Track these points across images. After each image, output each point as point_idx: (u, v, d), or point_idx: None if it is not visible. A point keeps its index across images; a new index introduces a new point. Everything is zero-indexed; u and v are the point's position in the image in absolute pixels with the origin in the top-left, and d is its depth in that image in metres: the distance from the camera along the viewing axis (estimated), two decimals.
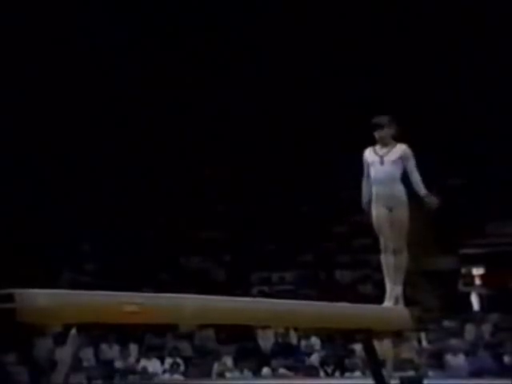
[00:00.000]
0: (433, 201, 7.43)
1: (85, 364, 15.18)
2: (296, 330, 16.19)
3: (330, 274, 18.95)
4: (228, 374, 15.66)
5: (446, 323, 16.51)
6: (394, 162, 7.40)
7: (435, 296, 17.46)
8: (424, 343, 16.05)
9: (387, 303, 7.37)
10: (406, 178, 7.50)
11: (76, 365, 5.91)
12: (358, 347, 14.75)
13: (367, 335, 7.15)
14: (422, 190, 7.38)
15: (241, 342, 16.26)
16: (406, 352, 15.48)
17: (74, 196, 19.29)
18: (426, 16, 20.07)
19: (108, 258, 18.37)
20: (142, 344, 16.30)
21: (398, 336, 15.09)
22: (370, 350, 7.18)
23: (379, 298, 7.64)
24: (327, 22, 20.11)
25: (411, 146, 7.54)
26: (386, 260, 7.50)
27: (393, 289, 7.37)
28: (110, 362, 15.88)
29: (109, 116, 20.24)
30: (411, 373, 14.88)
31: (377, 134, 7.49)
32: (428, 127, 19.45)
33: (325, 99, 20.35)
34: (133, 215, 19.47)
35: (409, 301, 13.27)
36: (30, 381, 13.81)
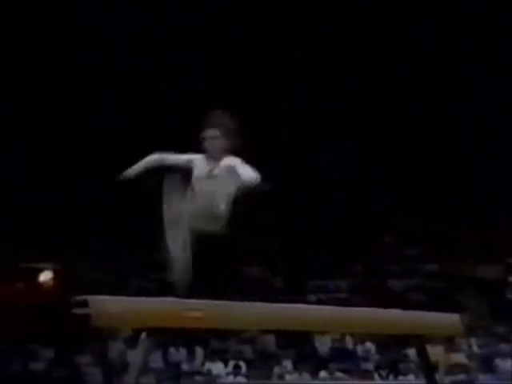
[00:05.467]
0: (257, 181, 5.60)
1: (154, 366, 15.25)
2: (352, 335, 16.07)
3: (382, 282, 18.77)
4: (287, 377, 15.63)
5: (495, 329, 16.27)
6: (222, 177, 5.83)
7: (484, 303, 17.19)
8: (474, 348, 15.82)
9: None
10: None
11: (146, 367, 5.91)
12: (411, 352, 14.59)
13: (420, 341, 7.04)
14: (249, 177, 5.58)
15: (299, 346, 16.19)
16: (458, 357, 15.29)
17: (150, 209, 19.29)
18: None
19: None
20: (207, 348, 16.32)
21: (449, 341, 14.90)
22: (423, 355, 7.07)
23: (430, 306, 7.51)
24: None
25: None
26: None
27: None
28: (178, 365, 15.94)
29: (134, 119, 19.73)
30: (462, 377, 14.69)
31: (208, 146, 5.91)
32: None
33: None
34: None
35: (460, 308, 13.16)
36: (104, 381, 13.93)
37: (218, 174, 5.83)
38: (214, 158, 5.88)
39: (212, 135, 5.89)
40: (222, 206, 5.85)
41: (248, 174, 5.64)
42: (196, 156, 5.96)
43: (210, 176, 5.84)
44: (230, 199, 5.87)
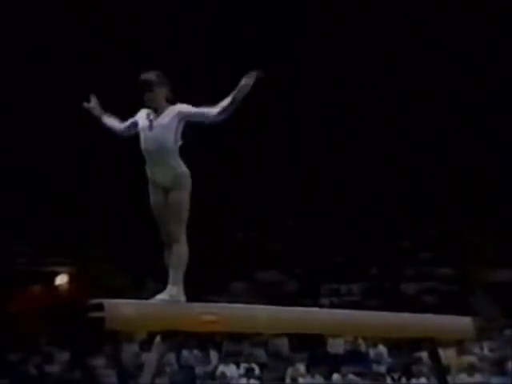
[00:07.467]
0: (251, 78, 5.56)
1: (168, 368, 15.25)
2: (364, 338, 16.02)
3: (396, 285, 18.72)
4: (300, 379, 15.59)
5: (507, 332, 16.20)
6: (166, 126, 5.56)
7: (496, 306, 17.13)
8: (486, 351, 15.76)
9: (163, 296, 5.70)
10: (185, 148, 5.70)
11: (160, 369, 5.90)
12: (423, 355, 14.55)
13: (432, 344, 7.02)
14: (229, 99, 5.52)
15: (312, 349, 16.16)
16: (470, 359, 15.24)
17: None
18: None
19: (187, 270, 18.35)
20: (221, 350, 16.32)
21: (461, 344, 14.85)
22: (435, 358, 7.05)
23: (443, 309, 7.48)
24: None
25: None
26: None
27: (171, 289, 5.78)
28: (191, 367, 15.94)
29: None
30: (474, 379, 14.63)
31: (146, 96, 5.64)
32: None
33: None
34: (209, 229, 19.48)
35: (472, 311, 13.12)
36: (118, 383, 13.94)
37: (156, 127, 5.59)
38: (155, 109, 5.65)
39: (148, 81, 5.67)
40: (174, 160, 5.59)
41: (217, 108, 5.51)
42: (140, 112, 5.75)
43: (149, 128, 5.61)
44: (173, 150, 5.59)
